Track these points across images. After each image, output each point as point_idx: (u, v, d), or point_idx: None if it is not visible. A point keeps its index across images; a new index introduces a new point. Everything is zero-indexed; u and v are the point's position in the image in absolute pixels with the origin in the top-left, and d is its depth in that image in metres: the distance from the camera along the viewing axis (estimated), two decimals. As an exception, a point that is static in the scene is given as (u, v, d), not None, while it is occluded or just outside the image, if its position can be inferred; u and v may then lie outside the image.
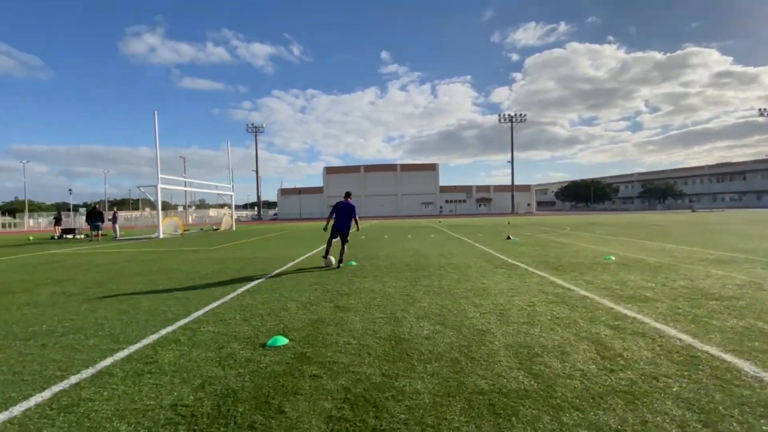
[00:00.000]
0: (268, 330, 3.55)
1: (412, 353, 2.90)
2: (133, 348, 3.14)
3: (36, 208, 73.58)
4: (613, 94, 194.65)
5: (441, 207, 74.45)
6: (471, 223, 26.66)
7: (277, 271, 7.07)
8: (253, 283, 5.86)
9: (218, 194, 29.42)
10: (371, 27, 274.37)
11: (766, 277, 5.42)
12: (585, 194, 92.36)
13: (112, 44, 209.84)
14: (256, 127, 68.02)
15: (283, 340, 3.19)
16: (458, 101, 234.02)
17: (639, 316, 3.71)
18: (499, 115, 66.31)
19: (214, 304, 4.54)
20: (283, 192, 77.44)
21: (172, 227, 21.44)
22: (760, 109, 62.36)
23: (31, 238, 20.59)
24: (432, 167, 76.23)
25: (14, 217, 50.59)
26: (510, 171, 69.95)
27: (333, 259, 7.44)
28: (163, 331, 3.55)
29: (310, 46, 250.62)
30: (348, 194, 8.12)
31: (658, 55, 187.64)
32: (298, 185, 77.91)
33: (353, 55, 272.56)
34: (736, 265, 6.49)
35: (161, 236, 18.61)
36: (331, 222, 7.72)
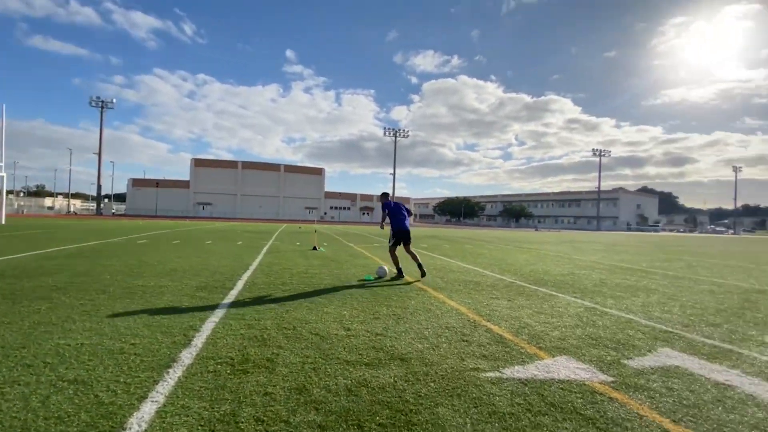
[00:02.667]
0: None
1: None
2: None
3: None
4: (491, 126, 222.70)
5: (325, 213, 72.77)
6: (329, 230, 25.37)
7: None
8: None
9: None
10: (278, 23, 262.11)
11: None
12: (458, 210, 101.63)
13: None
14: (103, 101, 56.44)
15: None
16: (361, 113, 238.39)
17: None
18: (385, 128, 68.02)
19: None
20: (136, 183, 65.70)
21: None
22: (593, 150, 77.12)
23: None
24: (318, 171, 74.21)
25: None
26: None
27: (387, 269, 6.69)
28: None
29: (206, 27, 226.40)
30: (386, 195, 7.06)
31: (527, 98, 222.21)
32: (180, 179, 66.88)
33: (255, 47, 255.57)
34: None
35: None
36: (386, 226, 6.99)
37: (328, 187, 74.73)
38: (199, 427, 1.86)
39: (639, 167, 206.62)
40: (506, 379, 2.57)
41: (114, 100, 57.01)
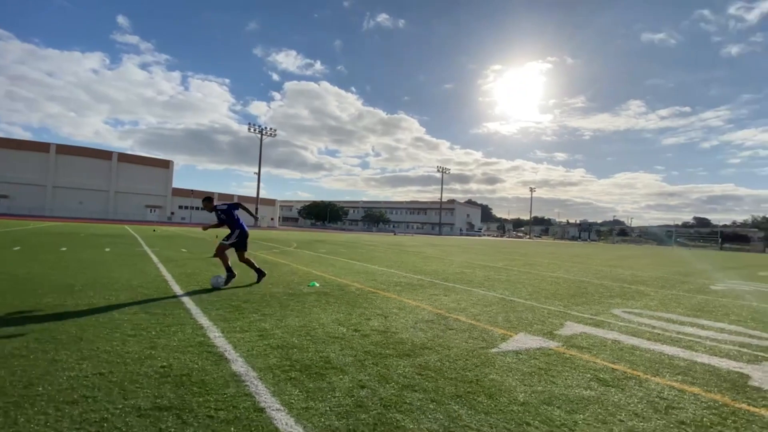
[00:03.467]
0: None
1: None
2: None
3: None
4: (351, 135, 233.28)
5: (172, 213, 63.31)
6: (177, 234, 22.69)
7: None
8: None
9: None
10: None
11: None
12: (323, 214, 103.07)
13: None
14: None
15: None
16: (213, 102, 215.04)
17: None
18: (249, 124, 63.97)
19: None
20: None
21: None
22: (437, 167, 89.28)
23: None
24: (164, 164, 64.14)
25: None
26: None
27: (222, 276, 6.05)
28: None
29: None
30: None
31: (383, 114, 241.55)
32: None
33: (73, 2, 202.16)
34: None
35: None
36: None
37: (175, 183, 65.27)
38: None
39: (465, 183, 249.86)
40: (505, 352, 3.54)
41: None
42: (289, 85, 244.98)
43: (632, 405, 2.55)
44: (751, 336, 4.62)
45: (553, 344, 3.84)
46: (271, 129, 67.07)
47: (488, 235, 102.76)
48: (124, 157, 60.35)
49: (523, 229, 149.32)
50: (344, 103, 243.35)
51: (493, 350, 3.55)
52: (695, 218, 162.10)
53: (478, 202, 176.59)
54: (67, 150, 55.93)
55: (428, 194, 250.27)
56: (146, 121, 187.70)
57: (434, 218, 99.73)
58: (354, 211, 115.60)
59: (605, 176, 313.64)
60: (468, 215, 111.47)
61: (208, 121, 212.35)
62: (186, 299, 4.93)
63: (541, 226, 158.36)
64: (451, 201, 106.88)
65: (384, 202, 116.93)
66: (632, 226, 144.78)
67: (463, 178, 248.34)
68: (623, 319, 5.18)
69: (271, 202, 75.50)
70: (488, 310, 5.33)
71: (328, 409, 2.26)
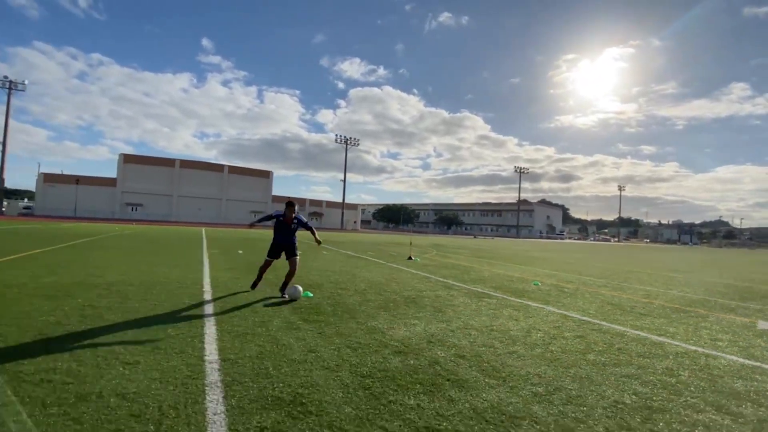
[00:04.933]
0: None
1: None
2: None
3: None
4: (412, 137, 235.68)
5: (271, 217, 70.86)
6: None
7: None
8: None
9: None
10: (192, 6, 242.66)
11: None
12: (395, 217, 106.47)
13: None
14: (10, 81, 47.85)
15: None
16: (285, 113, 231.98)
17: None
18: (336, 135, 69.28)
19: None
20: (48, 178, 56.59)
21: None
22: (515, 167, 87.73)
23: None
24: (266, 174, 71.99)
25: None
26: (341, 189, 73.60)
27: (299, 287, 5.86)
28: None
29: (104, 2, 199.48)
30: (288, 205, 5.93)
31: (445, 114, 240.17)
32: (67, 171, 58.34)
33: (166, 31, 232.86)
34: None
35: None
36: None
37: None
38: None
39: (536, 182, 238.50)
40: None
41: (26, 82, 48.65)
42: (353, 92, 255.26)
43: None
44: None
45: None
46: (354, 139, 72.01)
47: (570, 238, 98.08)
48: (233, 170, 69.07)
49: (607, 231, 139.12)
50: (406, 106, 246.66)
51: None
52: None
53: (552, 201, 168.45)
54: (188, 164, 65.69)
55: (493, 194, 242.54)
56: (227, 133, 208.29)
57: (510, 220, 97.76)
58: (425, 213, 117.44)
59: (703, 171, 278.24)
60: (548, 216, 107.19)
61: (281, 131, 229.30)
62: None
63: (628, 228, 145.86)
64: (529, 201, 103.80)
65: (455, 204, 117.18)
66: (741, 227, 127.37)
67: (533, 177, 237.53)
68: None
69: (353, 207, 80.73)
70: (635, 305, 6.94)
71: None
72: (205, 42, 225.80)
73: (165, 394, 2.40)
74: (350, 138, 73.19)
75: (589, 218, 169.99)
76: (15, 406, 2.14)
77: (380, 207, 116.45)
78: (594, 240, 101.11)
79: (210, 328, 3.89)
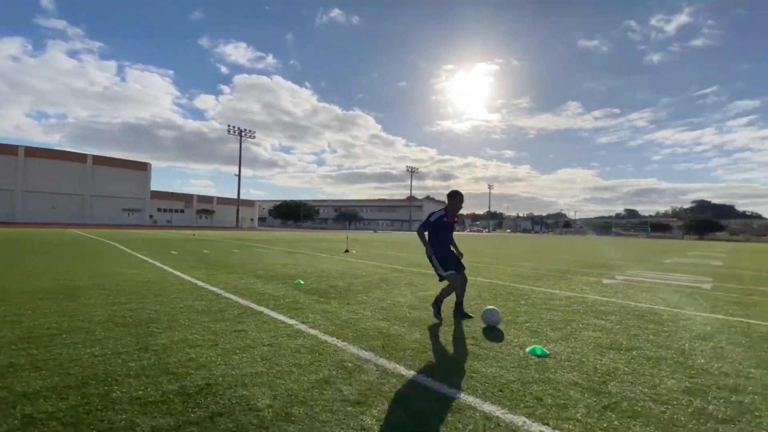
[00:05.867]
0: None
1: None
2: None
3: None
4: (306, 131, 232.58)
5: (152, 216, 62.54)
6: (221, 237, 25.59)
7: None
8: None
9: None
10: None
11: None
12: (294, 213, 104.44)
13: None
14: None
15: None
16: (155, 94, 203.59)
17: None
18: (229, 126, 64.55)
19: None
20: None
21: None
22: (407, 167, 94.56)
23: None
24: (142, 166, 63.03)
25: None
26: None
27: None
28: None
29: None
30: (455, 196, 4.66)
31: (338, 110, 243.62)
32: None
33: None
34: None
35: None
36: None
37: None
38: None
39: (422, 180, 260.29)
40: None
41: None
42: (239, 79, 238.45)
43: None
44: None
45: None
46: (248, 130, 68.14)
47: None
48: (99, 160, 58.59)
49: (479, 223, 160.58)
50: (298, 99, 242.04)
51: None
52: (626, 210, 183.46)
53: (435, 198, 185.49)
54: (37, 153, 53.53)
55: (386, 191, 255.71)
56: (76, 114, 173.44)
57: (403, 215, 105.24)
58: (324, 210, 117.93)
59: (548, 172, 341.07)
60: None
61: (149, 115, 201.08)
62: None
63: (495, 220, 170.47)
64: (418, 198, 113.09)
65: (353, 200, 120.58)
66: (575, 218, 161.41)
67: (419, 175, 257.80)
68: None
69: (250, 203, 76.44)
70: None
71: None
72: (45, 2, 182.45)
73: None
74: (245, 130, 68.79)
75: (464, 212, 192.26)
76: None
77: (277, 203, 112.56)
78: (470, 231, 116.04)
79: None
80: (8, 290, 5.33)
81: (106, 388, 2.44)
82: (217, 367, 2.84)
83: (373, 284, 7.01)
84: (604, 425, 2.20)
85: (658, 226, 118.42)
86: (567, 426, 2.18)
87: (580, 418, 2.28)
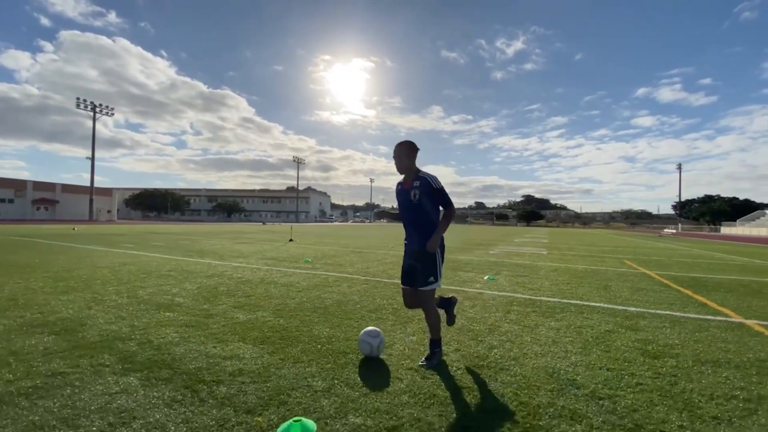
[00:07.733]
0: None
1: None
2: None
3: None
4: (162, 108, 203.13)
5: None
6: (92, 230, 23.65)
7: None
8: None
9: None
10: None
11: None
12: (161, 204, 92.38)
13: None
14: None
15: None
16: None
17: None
18: (78, 99, 53.63)
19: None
20: None
21: None
22: (294, 158, 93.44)
23: None
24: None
25: None
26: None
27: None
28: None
29: None
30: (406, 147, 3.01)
31: (203, 87, 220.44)
32: None
33: None
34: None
35: None
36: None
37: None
38: (492, 257, 11.02)
39: (302, 170, 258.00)
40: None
41: None
42: (67, 35, 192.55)
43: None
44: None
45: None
46: (107, 107, 58.23)
47: (337, 222, 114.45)
48: None
49: (359, 214, 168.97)
50: (151, 69, 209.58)
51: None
52: (476, 202, 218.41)
53: (317, 189, 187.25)
54: None
55: (261, 179, 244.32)
56: None
57: (288, 206, 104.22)
58: (196, 200, 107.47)
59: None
60: (321, 203, 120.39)
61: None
62: (381, 250, 12.30)
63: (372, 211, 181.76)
64: (307, 189, 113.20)
65: (232, 190, 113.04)
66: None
67: (299, 165, 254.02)
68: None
69: (107, 192, 64.63)
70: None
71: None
72: None
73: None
74: (99, 105, 57.60)
75: (345, 204, 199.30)
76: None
77: (136, 192, 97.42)
78: (353, 222, 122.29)
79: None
80: None
81: None
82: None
83: (357, 258, 9.70)
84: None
85: (500, 216, 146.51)
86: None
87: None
